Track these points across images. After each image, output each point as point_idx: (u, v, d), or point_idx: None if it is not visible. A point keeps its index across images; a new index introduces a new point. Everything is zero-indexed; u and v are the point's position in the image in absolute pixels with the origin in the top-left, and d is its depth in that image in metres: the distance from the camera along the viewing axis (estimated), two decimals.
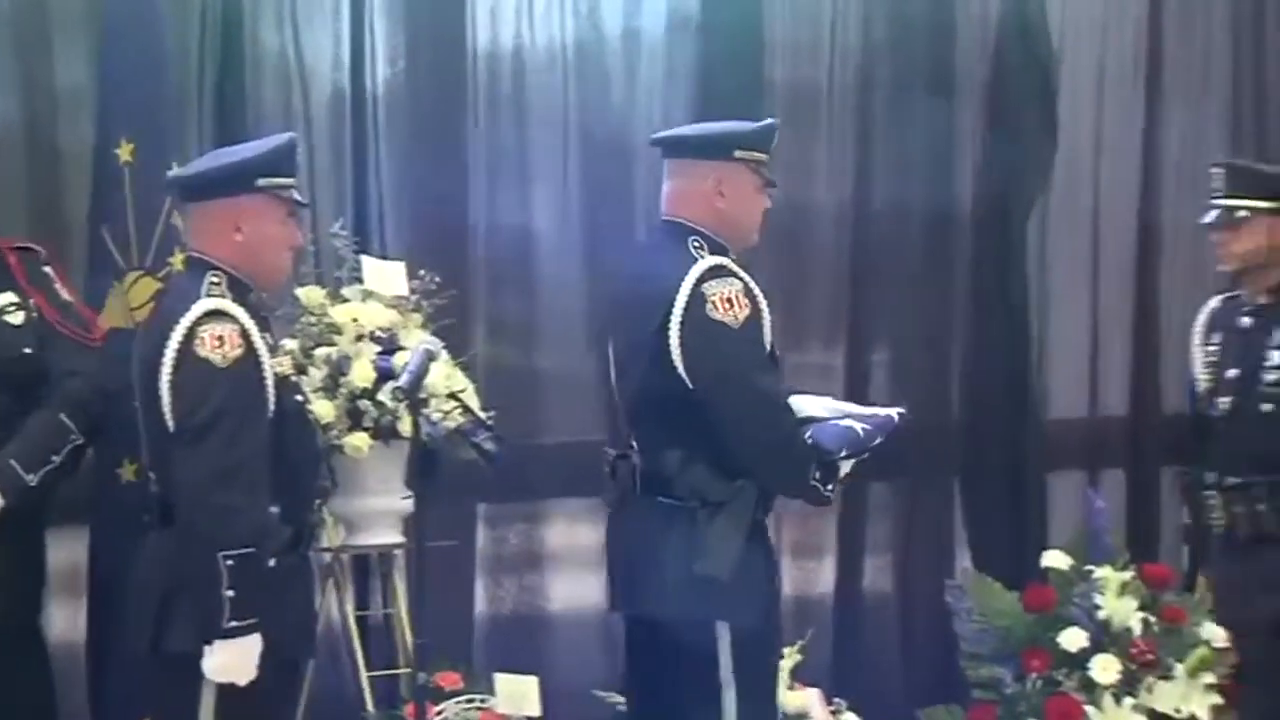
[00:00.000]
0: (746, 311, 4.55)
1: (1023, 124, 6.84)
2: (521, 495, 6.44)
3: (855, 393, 6.38)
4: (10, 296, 5.16)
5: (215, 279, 4.35)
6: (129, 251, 5.48)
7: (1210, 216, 5.18)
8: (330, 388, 5.47)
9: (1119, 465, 7.09)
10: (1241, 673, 5.25)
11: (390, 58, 6.34)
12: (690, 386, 4.54)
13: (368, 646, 5.83)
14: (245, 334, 4.27)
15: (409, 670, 5.40)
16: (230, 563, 4.16)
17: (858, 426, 4.68)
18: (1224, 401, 5.17)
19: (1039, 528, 6.86)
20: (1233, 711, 5.63)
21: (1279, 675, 5.06)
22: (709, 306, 4.52)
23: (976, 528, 6.88)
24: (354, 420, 5.48)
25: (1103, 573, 6.34)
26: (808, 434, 4.63)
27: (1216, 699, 6.09)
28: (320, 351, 5.52)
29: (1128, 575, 6.32)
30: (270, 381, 4.32)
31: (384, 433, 5.49)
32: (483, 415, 5.17)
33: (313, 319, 5.57)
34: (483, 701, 5.72)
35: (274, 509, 4.31)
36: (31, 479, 5.01)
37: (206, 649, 4.21)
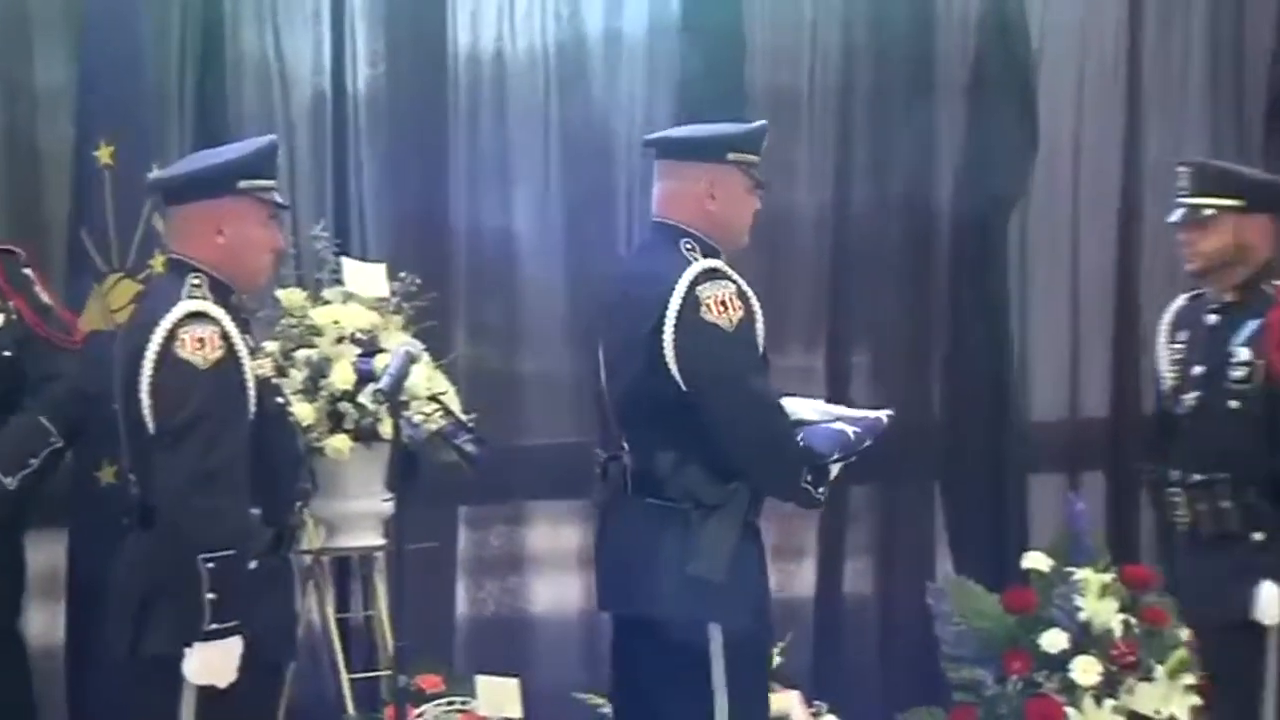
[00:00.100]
0: (740, 314, 4.55)
1: (1003, 126, 6.84)
2: (502, 497, 6.44)
3: (836, 395, 6.38)
4: None
5: (196, 281, 4.34)
6: (109, 254, 5.48)
7: (1177, 215, 5.19)
8: (311, 390, 5.47)
9: (1099, 467, 7.10)
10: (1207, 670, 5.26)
11: (371, 60, 6.34)
12: (684, 389, 4.54)
13: (348, 649, 5.82)
14: (226, 336, 4.27)
15: (390, 672, 5.40)
16: (211, 565, 4.15)
17: (848, 429, 4.69)
18: (1189, 399, 5.17)
19: (1020, 530, 6.87)
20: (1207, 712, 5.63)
21: (1246, 673, 5.04)
22: (703, 309, 4.52)
23: (957, 530, 6.88)
24: (335, 422, 5.48)
25: (1083, 574, 6.35)
26: (799, 436, 4.64)
27: (1196, 700, 6.11)
28: (301, 353, 5.51)
29: (1108, 577, 6.33)
30: (251, 383, 4.31)
31: (365, 435, 5.48)
32: (464, 417, 5.17)
33: (293, 321, 5.57)
34: (464, 704, 5.72)
35: (255, 511, 4.31)
36: (10, 482, 5.00)
37: (187, 651, 4.21)
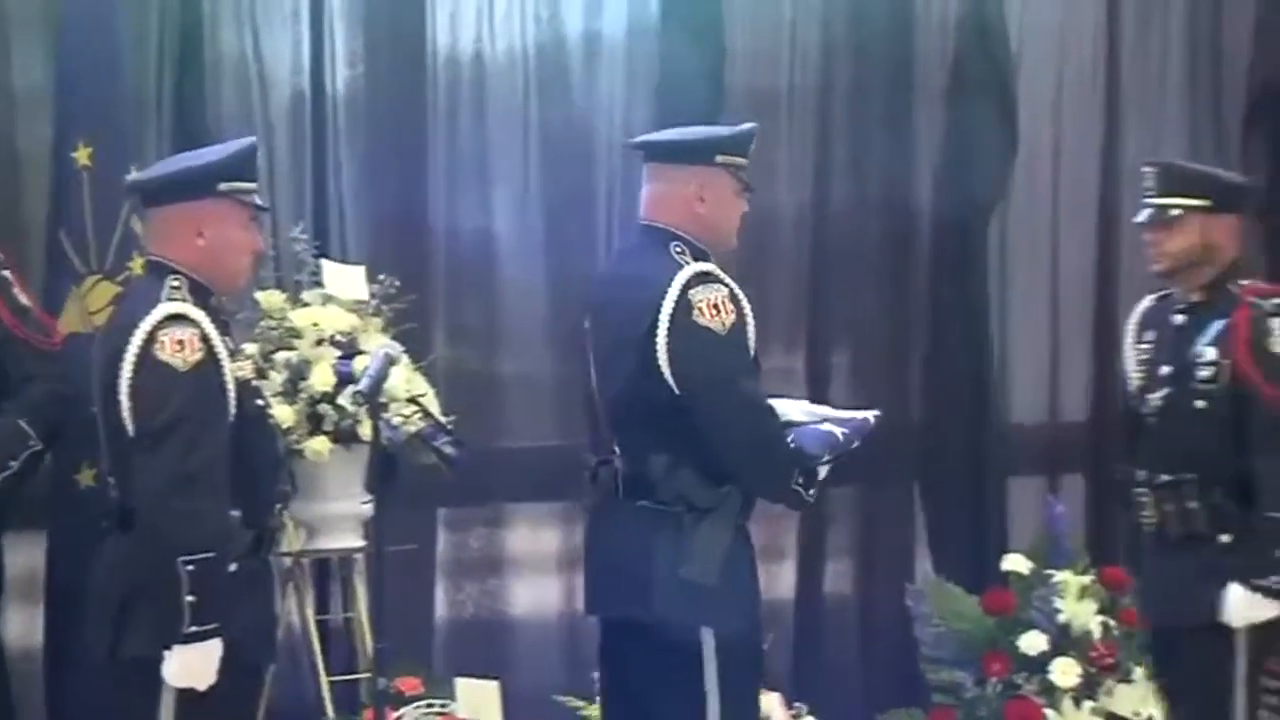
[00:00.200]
0: (732, 317, 4.55)
1: (982, 128, 6.84)
2: (482, 499, 6.43)
3: (816, 396, 6.37)
4: None
5: (176, 283, 4.33)
6: (87, 255, 5.46)
7: (1144, 216, 5.19)
8: (290, 392, 5.46)
9: (1079, 470, 7.10)
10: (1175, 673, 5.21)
11: (350, 61, 6.32)
12: (676, 392, 4.52)
13: (328, 651, 5.81)
14: (206, 338, 4.26)
15: (369, 675, 5.38)
16: (190, 567, 4.14)
17: (837, 430, 4.70)
18: (1155, 399, 5.15)
19: (999, 532, 6.87)
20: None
21: (1215, 676, 5.02)
22: (695, 312, 4.51)
23: (937, 532, 6.89)
24: (314, 424, 5.47)
25: (1062, 576, 6.37)
26: (789, 438, 4.64)
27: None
28: (280, 356, 5.50)
29: (1087, 579, 6.35)
30: (231, 385, 4.30)
31: (344, 437, 5.48)
32: (443, 419, 5.17)
33: (272, 323, 5.56)
34: (443, 706, 5.71)
35: (234, 513, 4.30)
36: None
37: (166, 654, 4.20)
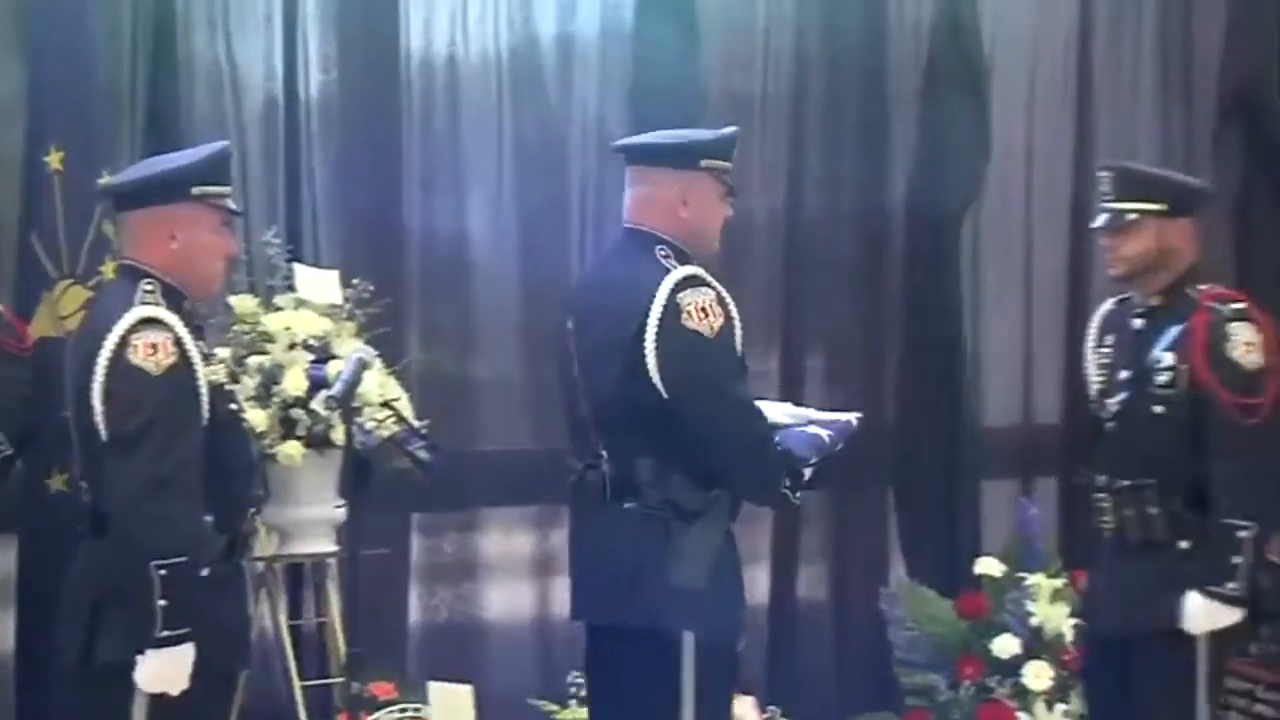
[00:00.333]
0: (721, 321, 4.54)
1: (955, 131, 6.85)
2: (456, 504, 6.42)
3: (790, 400, 6.36)
4: None
5: (149, 286, 4.32)
6: (59, 259, 5.44)
7: (1100, 220, 5.17)
8: (263, 396, 5.45)
9: (1052, 473, 7.12)
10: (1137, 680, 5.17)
11: (323, 65, 6.31)
12: (665, 396, 4.51)
13: (301, 656, 5.80)
14: (179, 342, 4.25)
15: (342, 680, 5.38)
16: (163, 572, 4.13)
17: (822, 432, 4.70)
18: (1114, 403, 5.13)
19: (973, 535, 6.88)
20: None
21: (1179, 683, 5.00)
22: (684, 316, 4.50)
23: (911, 535, 6.89)
24: (287, 429, 5.46)
25: (1035, 579, 6.38)
26: (777, 441, 4.64)
27: None
28: (253, 360, 5.49)
29: (1060, 582, 6.36)
30: (204, 390, 4.29)
31: (317, 441, 5.47)
32: (417, 424, 5.16)
33: (245, 327, 5.55)
34: (416, 711, 5.70)
35: (207, 518, 4.29)
36: None
37: (138, 659, 4.19)
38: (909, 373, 6.91)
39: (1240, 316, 5.01)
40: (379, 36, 6.34)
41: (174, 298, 4.35)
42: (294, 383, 5.44)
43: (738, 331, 4.59)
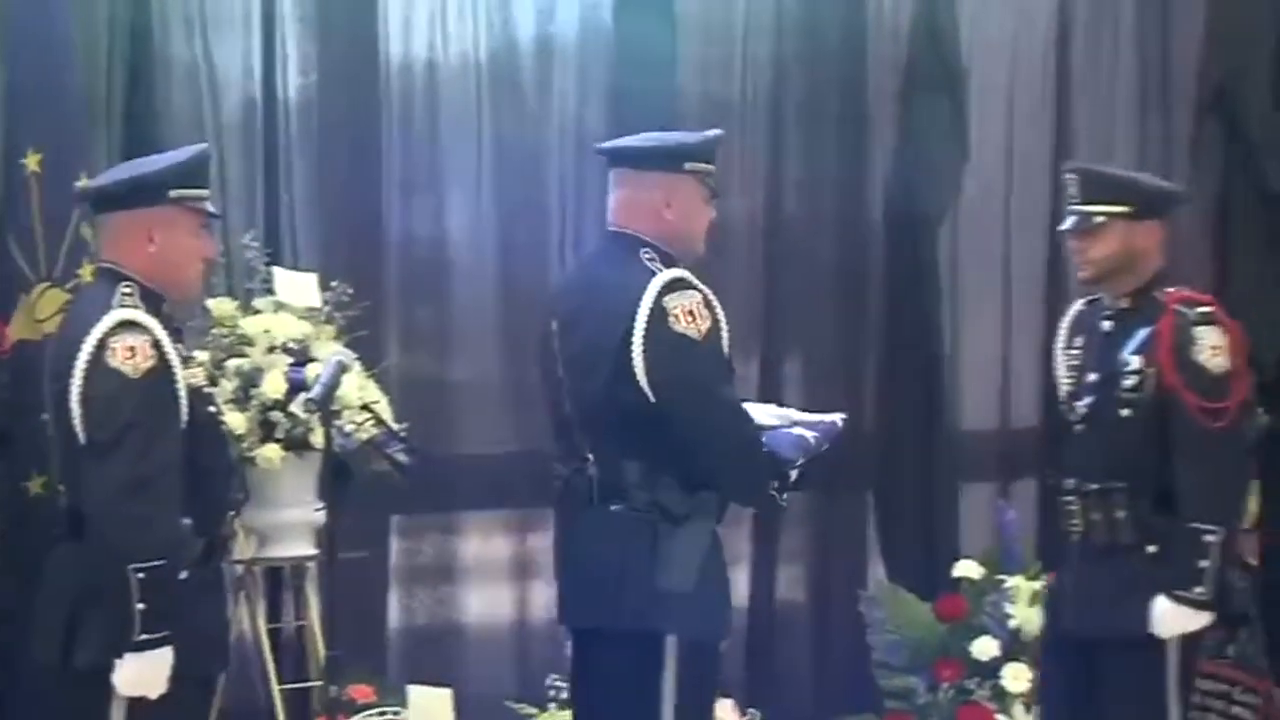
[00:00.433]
0: (708, 324, 4.54)
1: (933, 135, 6.85)
2: (435, 506, 6.41)
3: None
4: None
5: (127, 289, 4.32)
6: (36, 263, 5.43)
7: (1068, 223, 5.16)
8: (242, 399, 5.45)
9: (1030, 476, 7.11)
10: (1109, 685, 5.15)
11: (302, 68, 6.30)
12: (652, 399, 4.50)
13: (280, 659, 5.79)
14: (158, 345, 4.24)
15: (321, 683, 5.37)
16: (141, 575, 4.12)
17: (808, 434, 4.70)
18: (1082, 405, 5.12)
19: (951, 538, 6.88)
20: None
21: (1151, 687, 4.98)
22: (671, 319, 4.50)
23: (890, 538, 6.89)
24: (266, 432, 5.46)
25: (1014, 582, 6.39)
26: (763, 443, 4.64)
27: None
28: (232, 363, 5.49)
29: (1039, 585, 6.36)
30: (183, 392, 4.28)
31: (296, 444, 5.47)
32: (395, 427, 5.15)
33: (224, 330, 5.54)
34: (395, 714, 5.70)
35: (186, 521, 4.28)
36: None
37: (117, 662, 4.18)
38: (888, 376, 6.92)
39: (1207, 320, 4.99)
40: (358, 39, 6.34)
41: (153, 301, 4.34)
42: (273, 386, 5.44)
43: (725, 334, 4.59)
